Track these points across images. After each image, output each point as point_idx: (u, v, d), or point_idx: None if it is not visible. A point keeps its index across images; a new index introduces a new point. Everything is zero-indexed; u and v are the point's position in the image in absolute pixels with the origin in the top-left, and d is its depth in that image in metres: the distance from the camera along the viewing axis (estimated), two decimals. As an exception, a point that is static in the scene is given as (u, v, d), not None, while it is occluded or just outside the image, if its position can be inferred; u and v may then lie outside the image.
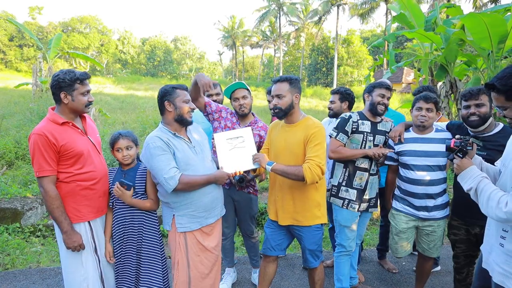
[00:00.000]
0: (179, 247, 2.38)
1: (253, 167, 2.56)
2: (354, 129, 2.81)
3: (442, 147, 2.63)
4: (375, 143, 2.85)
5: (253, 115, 3.18)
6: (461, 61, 6.50)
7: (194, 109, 2.43)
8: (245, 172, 2.65)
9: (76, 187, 2.26)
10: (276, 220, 2.64)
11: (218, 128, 2.99)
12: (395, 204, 2.92)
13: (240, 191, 3.05)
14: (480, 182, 1.79)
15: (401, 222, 2.85)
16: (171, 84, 2.47)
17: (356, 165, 2.86)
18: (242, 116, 3.07)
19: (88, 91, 2.33)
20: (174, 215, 2.38)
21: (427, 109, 2.72)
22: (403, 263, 3.88)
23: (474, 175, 1.84)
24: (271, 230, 2.68)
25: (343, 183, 2.89)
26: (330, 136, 2.86)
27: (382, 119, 2.93)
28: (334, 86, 33.02)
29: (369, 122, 2.85)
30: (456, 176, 2.47)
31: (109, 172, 2.50)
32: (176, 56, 54.17)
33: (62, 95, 2.23)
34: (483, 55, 5.45)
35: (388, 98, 2.90)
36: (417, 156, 2.73)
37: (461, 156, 1.96)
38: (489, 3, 23.31)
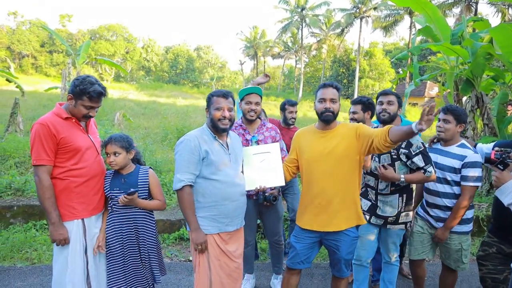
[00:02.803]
0: None
1: (278, 184, 2.56)
2: None
3: (453, 162, 2.70)
4: (380, 162, 2.80)
5: (260, 118, 3.19)
6: (488, 75, 6.37)
7: (226, 117, 2.43)
8: (268, 189, 2.69)
9: (70, 184, 2.28)
10: (312, 229, 2.56)
11: None
12: (418, 209, 3.05)
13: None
14: None
15: (417, 225, 2.97)
16: (217, 90, 2.54)
17: (366, 181, 2.93)
18: (249, 121, 3.07)
19: (93, 107, 2.33)
20: (196, 216, 2.42)
21: (444, 120, 2.74)
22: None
23: None
24: (301, 245, 2.58)
25: (360, 193, 2.90)
26: None
27: None
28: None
29: None
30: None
31: (106, 175, 2.49)
32: (198, 65, 55.03)
33: (68, 97, 2.30)
34: (511, 69, 5.34)
35: (390, 103, 2.85)
36: None
37: (501, 168, 1.89)
38: (518, 18, 22.78)
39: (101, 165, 2.48)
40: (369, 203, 2.90)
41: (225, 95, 2.47)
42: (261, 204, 2.95)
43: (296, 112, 4.08)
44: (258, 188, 2.53)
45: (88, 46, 12.87)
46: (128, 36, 51.50)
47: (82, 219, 2.34)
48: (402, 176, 2.72)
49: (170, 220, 4.48)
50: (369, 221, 2.88)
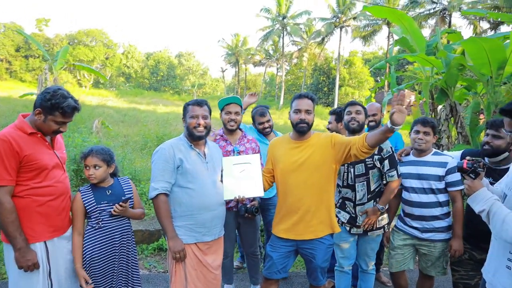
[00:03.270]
0: None
1: (257, 194, 2.55)
2: None
3: (435, 170, 2.74)
4: (356, 173, 2.84)
5: (241, 130, 3.20)
6: (461, 85, 6.59)
7: (200, 124, 2.45)
8: (247, 199, 2.70)
9: (31, 203, 2.06)
10: (288, 238, 2.56)
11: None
12: (397, 222, 3.02)
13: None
14: (493, 204, 1.79)
15: (398, 239, 2.95)
16: (193, 99, 2.57)
17: (342, 194, 2.96)
18: (229, 131, 3.08)
19: (65, 123, 2.15)
20: (173, 224, 2.40)
21: (424, 133, 2.79)
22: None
23: (486, 197, 1.85)
24: (278, 254, 2.58)
25: (337, 205, 2.99)
26: None
27: None
28: (335, 106, 33.26)
29: None
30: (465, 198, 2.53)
31: (83, 191, 2.35)
32: (179, 72, 54.74)
33: (36, 111, 2.07)
34: (482, 80, 5.55)
35: (358, 112, 2.87)
36: (411, 179, 2.84)
37: (473, 177, 1.95)
38: (489, 30, 23.76)
39: (66, 183, 2.29)
40: (347, 216, 2.93)
41: (200, 103, 2.51)
42: (242, 216, 2.94)
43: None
44: (237, 197, 2.51)
45: (66, 51, 12.61)
46: (108, 41, 50.75)
47: (44, 242, 2.13)
48: (380, 206, 2.83)
49: (149, 230, 4.40)
50: (349, 232, 2.91)
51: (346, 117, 2.95)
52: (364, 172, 2.82)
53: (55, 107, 2.06)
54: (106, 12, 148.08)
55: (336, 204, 2.99)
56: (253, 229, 3.16)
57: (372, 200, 2.87)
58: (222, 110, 3.13)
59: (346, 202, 2.94)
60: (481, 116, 6.66)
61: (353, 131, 2.91)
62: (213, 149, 2.64)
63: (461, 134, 6.13)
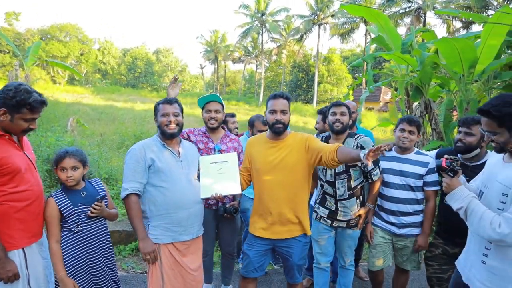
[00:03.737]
0: None
1: (235, 192, 2.54)
2: None
3: (416, 169, 2.81)
4: (336, 170, 2.87)
5: (224, 129, 3.20)
6: (435, 83, 6.78)
7: (171, 121, 2.44)
8: (225, 197, 2.71)
9: (9, 209, 1.98)
10: (264, 237, 2.58)
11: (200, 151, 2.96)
12: (374, 219, 3.04)
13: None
14: (471, 202, 1.85)
15: (377, 236, 2.99)
16: (163, 98, 2.57)
17: (324, 189, 2.98)
18: (211, 129, 3.07)
19: (34, 119, 2.05)
20: (149, 225, 2.39)
21: (410, 131, 2.84)
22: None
23: (464, 195, 1.90)
24: (254, 252, 2.61)
25: (318, 200, 3.06)
26: None
27: (344, 141, 2.91)
28: (314, 103, 33.59)
29: None
30: (442, 196, 2.60)
31: (56, 196, 2.26)
32: (157, 68, 53.91)
33: (0, 112, 1.95)
34: (455, 78, 5.71)
35: (342, 114, 2.90)
36: (392, 174, 2.88)
37: (451, 175, 2.00)
38: (462, 29, 24.53)
39: (40, 185, 2.22)
40: (327, 211, 2.96)
41: (170, 101, 2.51)
42: (221, 215, 2.93)
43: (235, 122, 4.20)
44: (214, 195, 2.49)
45: (38, 47, 12.20)
46: (82, 37, 49.38)
47: (23, 248, 2.06)
48: (371, 205, 2.95)
49: (126, 230, 4.32)
50: (331, 225, 2.95)
51: (330, 118, 2.94)
52: (344, 169, 2.86)
53: (21, 104, 1.95)
54: (81, 7, 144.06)
55: (316, 200, 3.06)
56: (231, 229, 3.16)
57: (354, 197, 2.91)
58: (202, 108, 3.11)
59: (327, 196, 2.96)
60: (454, 113, 6.87)
61: (336, 133, 2.92)
62: (188, 148, 2.62)
63: (435, 131, 6.30)
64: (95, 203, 2.28)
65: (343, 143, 2.89)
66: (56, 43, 44.50)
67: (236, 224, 3.19)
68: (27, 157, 2.14)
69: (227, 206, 2.84)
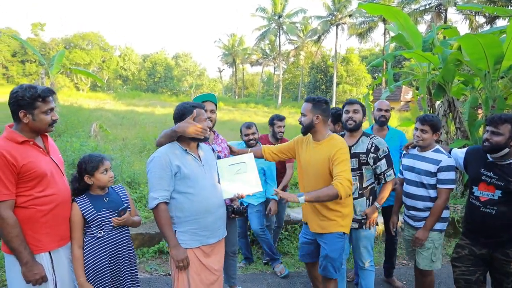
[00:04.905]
0: None
1: (256, 190, 2.60)
2: None
3: (427, 166, 2.86)
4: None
5: (213, 131, 3.17)
6: (459, 80, 6.60)
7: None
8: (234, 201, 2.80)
9: (36, 213, 2.00)
10: (309, 228, 2.80)
11: None
12: (404, 216, 3.16)
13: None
14: None
15: (406, 229, 3.11)
16: (187, 102, 2.50)
17: None
18: None
19: (52, 109, 2.07)
20: (176, 231, 2.38)
21: (422, 130, 2.86)
22: (404, 282, 3.85)
23: None
24: (302, 240, 2.92)
25: None
26: None
27: (359, 139, 2.94)
28: (333, 104, 33.29)
29: None
30: (469, 195, 2.60)
31: (79, 200, 2.28)
32: (176, 73, 54.68)
33: (21, 114, 1.99)
34: (480, 75, 5.55)
35: (355, 111, 2.92)
36: (408, 171, 2.98)
37: None
38: (485, 25, 23.78)
39: (68, 189, 2.24)
40: None
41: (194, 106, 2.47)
42: (227, 217, 2.93)
43: (284, 126, 4.07)
44: (236, 195, 2.54)
45: (62, 56, 12.61)
46: (104, 44, 50.72)
47: (49, 252, 2.08)
48: (377, 203, 2.95)
49: (150, 233, 4.38)
50: None
51: (344, 116, 3.00)
52: (357, 167, 2.88)
53: (33, 99, 1.99)
54: (101, 15, 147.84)
55: None
56: (234, 228, 3.19)
57: (364, 197, 2.92)
58: None
59: None
60: (479, 111, 6.67)
61: (350, 130, 2.96)
62: (206, 151, 2.60)
63: (459, 130, 6.14)
64: (117, 217, 2.30)
65: (357, 142, 2.93)
66: (79, 51, 45.88)
67: (237, 224, 3.27)
68: (54, 161, 2.17)
69: (234, 207, 2.83)
